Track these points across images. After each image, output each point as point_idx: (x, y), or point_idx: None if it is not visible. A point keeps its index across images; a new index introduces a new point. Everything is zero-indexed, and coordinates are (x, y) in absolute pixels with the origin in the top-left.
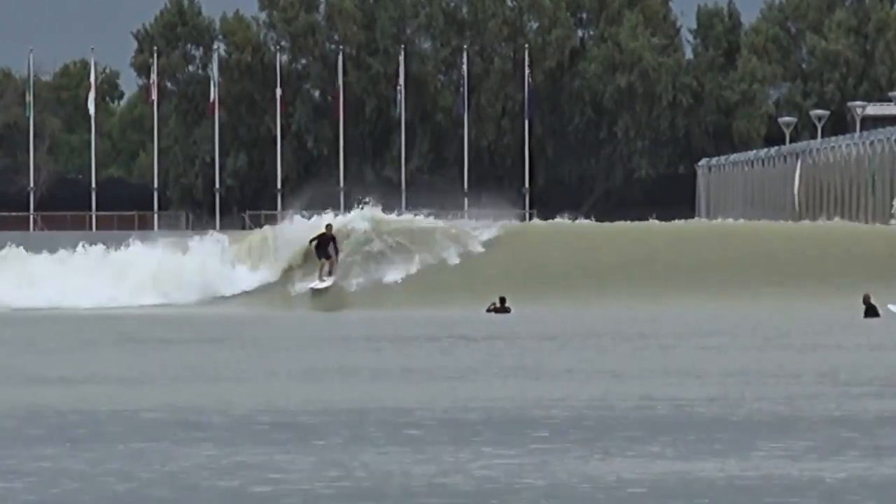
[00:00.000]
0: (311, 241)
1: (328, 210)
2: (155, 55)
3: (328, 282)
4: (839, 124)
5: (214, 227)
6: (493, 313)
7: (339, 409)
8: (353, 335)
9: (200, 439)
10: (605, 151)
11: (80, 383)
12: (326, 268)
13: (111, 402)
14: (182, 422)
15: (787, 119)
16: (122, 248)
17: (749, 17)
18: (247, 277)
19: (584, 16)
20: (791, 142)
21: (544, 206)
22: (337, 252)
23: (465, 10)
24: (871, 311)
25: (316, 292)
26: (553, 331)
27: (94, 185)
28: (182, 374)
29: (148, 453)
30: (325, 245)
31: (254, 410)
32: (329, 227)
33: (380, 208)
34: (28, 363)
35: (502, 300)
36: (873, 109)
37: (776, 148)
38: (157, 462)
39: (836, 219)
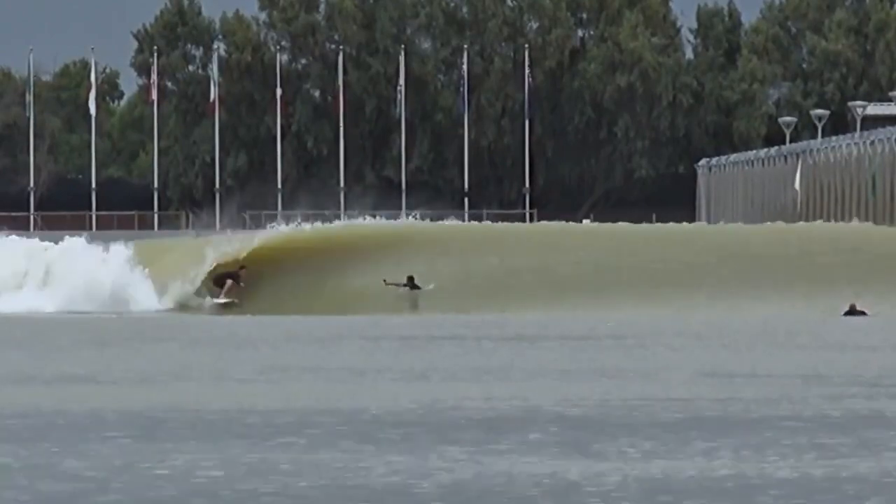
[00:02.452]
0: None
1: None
2: (155, 55)
3: (229, 298)
4: (839, 124)
5: (214, 227)
6: (395, 287)
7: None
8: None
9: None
10: (605, 151)
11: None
12: (227, 286)
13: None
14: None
15: (787, 119)
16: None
17: (749, 17)
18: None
19: (584, 16)
20: (791, 142)
21: (544, 206)
22: (238, 283)
23: (465, 10)
24: (854, 312)
25: (221, 306)
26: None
27: (94, 185)
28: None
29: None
30: (223, 278)
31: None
32: (243, 268)
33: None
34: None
35: (410, 278)
36: (873, 109)
37: (776, 148)
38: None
39: (855, 220)
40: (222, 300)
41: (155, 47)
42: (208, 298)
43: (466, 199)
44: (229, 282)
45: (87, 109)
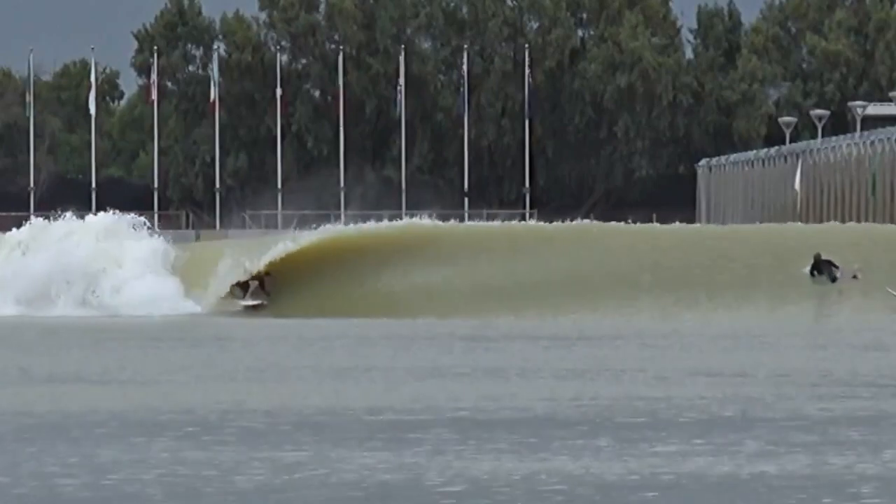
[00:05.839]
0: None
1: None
2: (155, 55)
3: (257, 300)
4: (839, 124)
5: (214, 227)
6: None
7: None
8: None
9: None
10: (605, 151)
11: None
12: (252, 289)
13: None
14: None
15: (787, 119)
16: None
17: (749, 17)
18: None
19: (584, 16)
20: (791, 142)
21: (544, 206)
22: (264, 290)
23: (465, 10)
24: (819, 268)
25: (249, 308)
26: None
27: (94, 185)
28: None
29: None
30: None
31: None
32: (268, 274)
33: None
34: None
35: (261, 281)
36: (873, 109)
37: (776, 148)
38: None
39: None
40: (249, 302)
41: (155, 47)
42: (236, 301)
43: (466, 199)
44: (254, 283)
45: (87, 109)
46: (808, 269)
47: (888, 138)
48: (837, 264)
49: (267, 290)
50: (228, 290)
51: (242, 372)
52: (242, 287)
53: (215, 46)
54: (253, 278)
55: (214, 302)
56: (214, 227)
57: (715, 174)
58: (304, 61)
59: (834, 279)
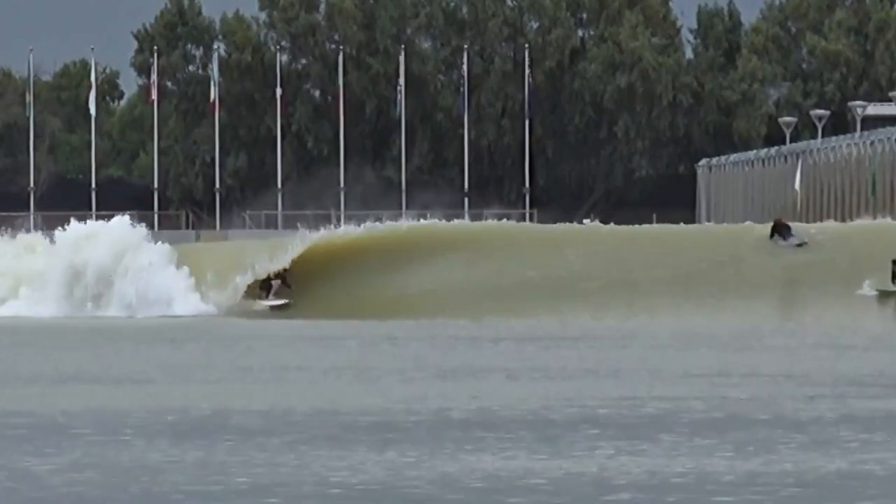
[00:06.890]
0: (263, 282)
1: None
2: (155, 55)
3: (282, 300)
4: (839, 124)
5: (214, 227)
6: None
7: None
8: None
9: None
10: (605, 151)
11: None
12: (275, 288)
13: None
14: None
15: (787, 119)
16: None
17: (749, 17)
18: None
19: (584, 16)
20: (791, 142)
21: (544, 206)
22: (287, 285)
23: (465, 10)
24: (780, 231)
25: (274, 308)
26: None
27: (94, 185)
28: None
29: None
30: (268, 281)
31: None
32: (286, 269)
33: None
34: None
35: (283, 277)
36: (873, 109)
37: (776, 148)
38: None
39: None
40: (274, 302)
41: (155, 47)
42: (259, 301)
43: (466, 199)
44: (277, 282)
45: (87, 109)
46: (768, 231)
47: (888, 138)
48: (792, 229)
49: (289, 284)
50: (248, 290)
51: (264, 372)
52: (264, 287)
53: (215, 46)
54: (274, 277)
55: (232, 302)
56: (214, 227)
57: (715, 174)
58: (304, 61)
59: (802, 243)
